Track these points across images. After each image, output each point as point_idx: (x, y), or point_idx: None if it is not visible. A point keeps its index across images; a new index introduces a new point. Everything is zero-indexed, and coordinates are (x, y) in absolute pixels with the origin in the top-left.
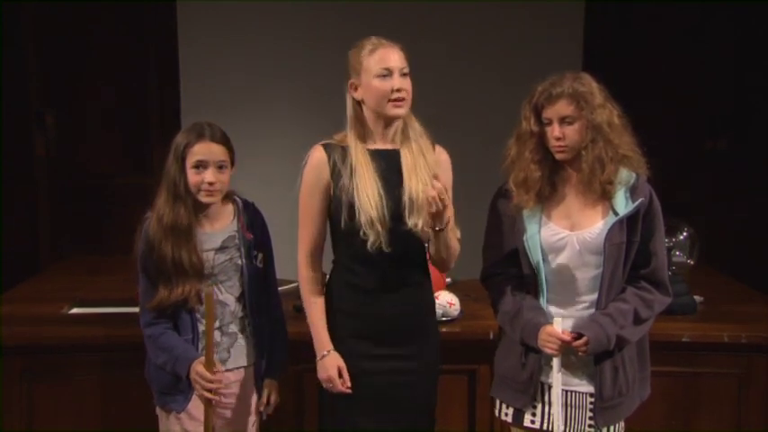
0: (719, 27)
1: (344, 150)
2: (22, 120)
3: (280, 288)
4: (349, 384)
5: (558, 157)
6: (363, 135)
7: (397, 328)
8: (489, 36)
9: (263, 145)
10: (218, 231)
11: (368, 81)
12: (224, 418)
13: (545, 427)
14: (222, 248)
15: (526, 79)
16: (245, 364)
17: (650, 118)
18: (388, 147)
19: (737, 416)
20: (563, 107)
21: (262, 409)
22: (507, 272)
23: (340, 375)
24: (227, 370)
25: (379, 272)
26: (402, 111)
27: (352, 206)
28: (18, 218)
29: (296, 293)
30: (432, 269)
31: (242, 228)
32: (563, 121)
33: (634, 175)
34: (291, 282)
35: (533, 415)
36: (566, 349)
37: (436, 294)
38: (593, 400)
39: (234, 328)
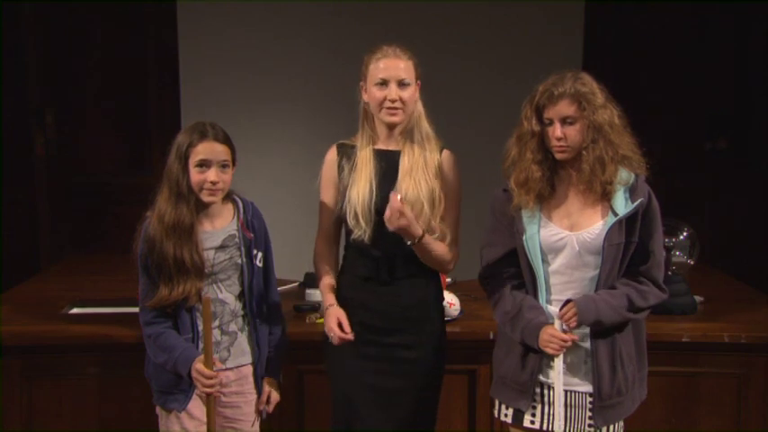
0: (719, 27)
1: (354, 149)
2: (22, 119)
3: (280, 288)
4: (349, 331)
5: (559, 157)
6: (372, 135)
7: (394, 319)
8: (489, 36)
9: (263, 145)
10: (219, 230)
11: (370, 87)
12: (224, 417)
13: (545, 427)
14: (222, 247)
15: (526, 79)
16: (246, 362)
17: (650, 118)
18: (391, 147)
19: (737, 416)
20: (565, 107)
21: (262, 407)
22: (506, 272)
23: (341, 329)
24: (228, 369)
25: (373, 263)
26: (396, 119)
27: (344, 204)
28: (18, 218)
29: (296, 293)
30: None
31: (242, 227)
32: (564, 121)
33: (633, 175)
34: (292, 282)
35: (533, 416)
36: (565, 349)
37: None
38: (592, 399)
39: (234, 326)
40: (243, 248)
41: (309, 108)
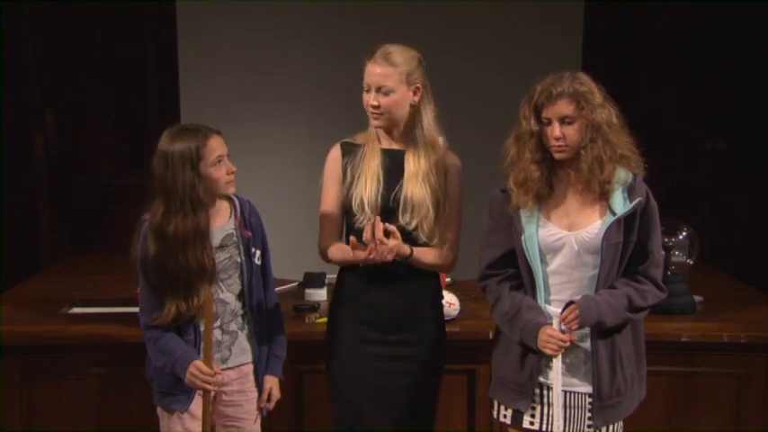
0: (719, 27)
1: (357, 148)
2: (22, 119)
3: (280, 288)
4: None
5: (557, 156)
6: (377, 134)
7: (392, 316)
8: (489, 36)
9: (263, 145)
10: (217, 229)
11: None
12: (226, 416)
13: (544, 428)
14: (221, 246)
15: (526, 79)
16: (246, 361)
17: (650, 118)
18: (395, 147)
19: (737, 416)
20: (563, 107)
21: (262, 405)
22: (505, 272)
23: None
24: (229, 368)
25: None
26: (377, 123)
27: (350, 194)
28: (18, 218)
29: (295, 293)
30: None
31: (239, 225)
32: (563, 120)
33: (631, 175)
34: (291, 281)
35: (532, 416)
36: (564, 350)
37: None
38: (591, 400)
39: (234, 326)
40: (241, 247)
41: (309, 108)
